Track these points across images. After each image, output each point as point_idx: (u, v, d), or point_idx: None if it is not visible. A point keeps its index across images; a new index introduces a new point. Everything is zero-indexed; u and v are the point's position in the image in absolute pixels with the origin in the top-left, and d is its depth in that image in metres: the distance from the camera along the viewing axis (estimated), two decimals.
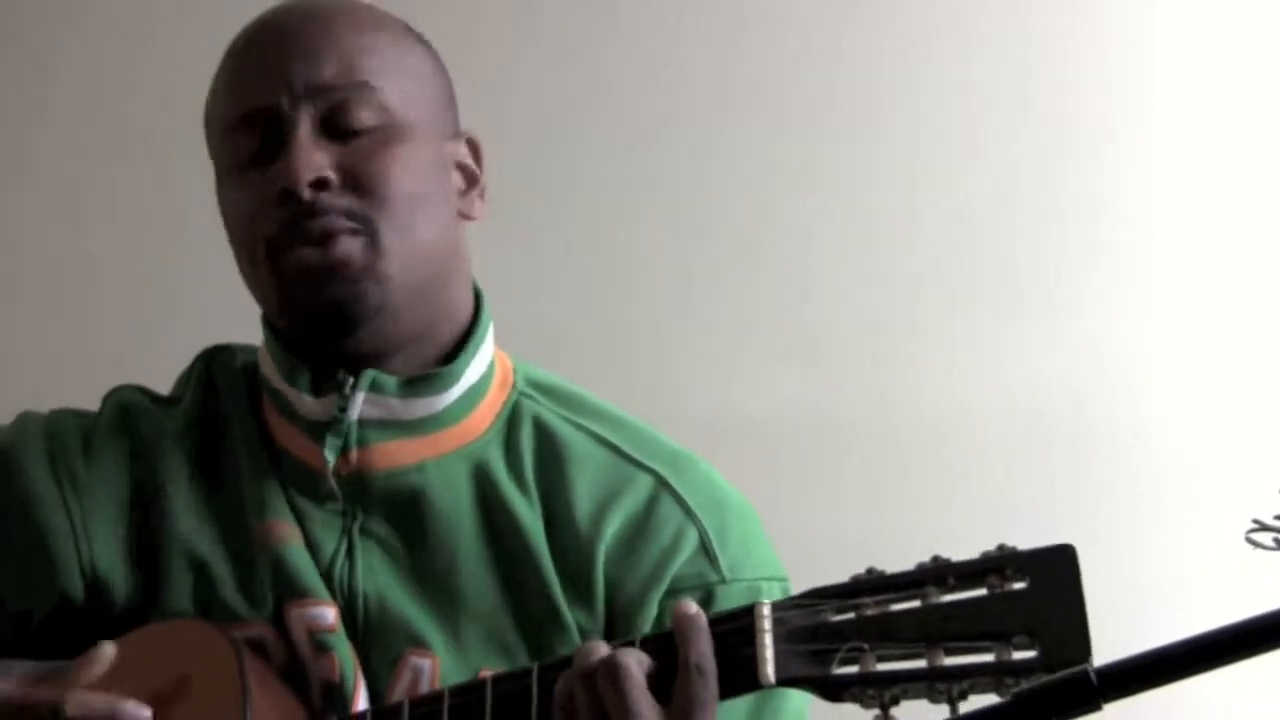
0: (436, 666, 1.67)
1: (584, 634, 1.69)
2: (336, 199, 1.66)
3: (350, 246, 1.65)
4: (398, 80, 1.70)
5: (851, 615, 1.47)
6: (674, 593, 1.70)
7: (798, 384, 2.30)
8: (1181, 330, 2.29)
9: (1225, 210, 2.30)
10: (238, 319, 1.83)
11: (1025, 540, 1.98)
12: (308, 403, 1.71)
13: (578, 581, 1.70)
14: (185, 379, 1.82)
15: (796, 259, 2.34)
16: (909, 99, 2.35)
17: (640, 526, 1.71)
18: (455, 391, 1.72)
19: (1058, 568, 1.44)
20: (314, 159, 1.65)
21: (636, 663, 1.49)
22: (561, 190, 1.76)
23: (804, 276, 2.34)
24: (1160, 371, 2.28)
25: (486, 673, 1.65)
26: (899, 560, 1.38)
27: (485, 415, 1.75)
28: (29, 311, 2.47)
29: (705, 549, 1.71)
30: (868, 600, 1.47)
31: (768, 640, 1.47)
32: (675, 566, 1.70)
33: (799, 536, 1.82)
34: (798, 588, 1.73)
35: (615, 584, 1.70)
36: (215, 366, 1.81)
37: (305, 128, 1.66)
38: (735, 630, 1.48)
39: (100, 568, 1.71)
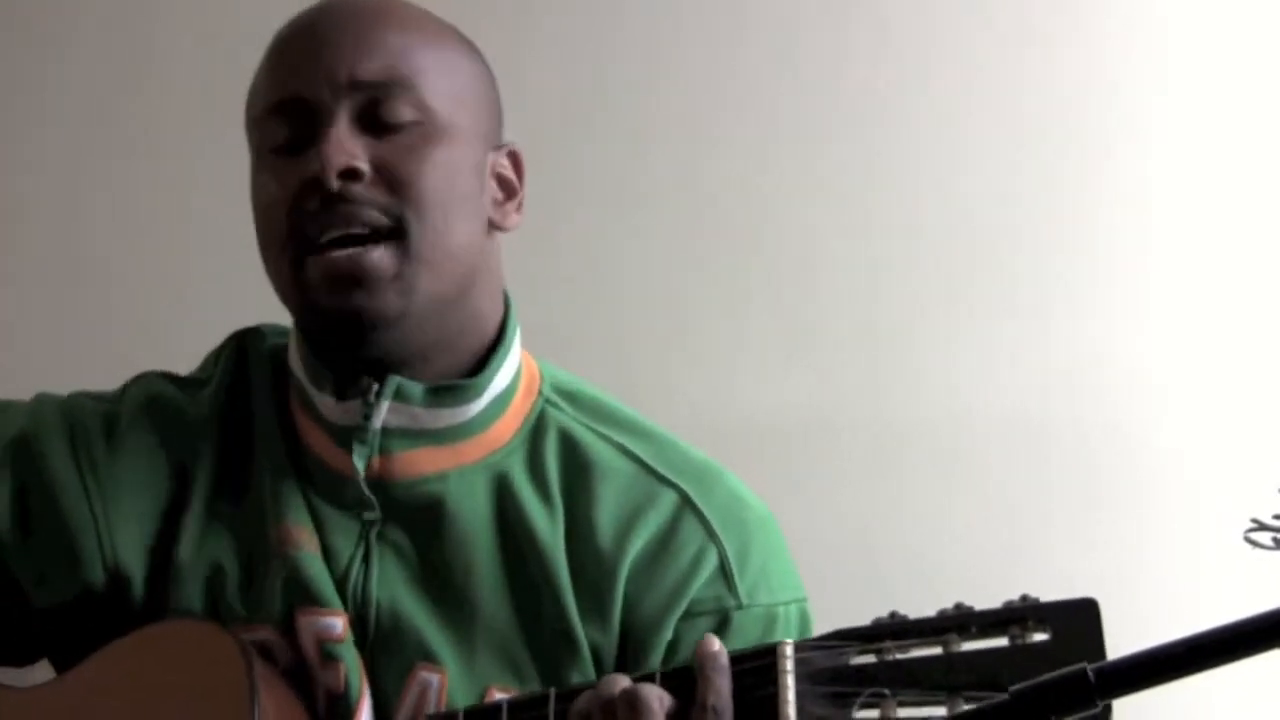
0: (445, 681, 1.67)
1: (597, 652, 1.69)
2: (368, 192, 1.65)
3: (380, 254, 1.64)
4: (441, 81, 1.70)
5: (873, 658, 1.47)
6: (691, 615, 1.70)
7: (797, 384, 2.28)
8: (1180, 330, 2.27)
9: (1224, 212, 2.28)
10: (239, 316, 1.85)
11: (1025, 540, 1.95)
12: (331, 406, 1.71)
13: (597, 598, 1.69)
14: (215, 358, 1.82)
15: (796, 259, 2.33)
16: (908, 100, 2.35)
17: (662, 546, 1.71)
18: (481, 402, 1.72)
19: (1080, 621, 1.44)
20: (347, 148, 1.64)
21: (658, 699, 1.49)
22: (560, 190, 1.76)
23: (803, 277, 2.33)
24: (1158, 371, 2.25)
25: (494, 690, 1.67)
26: (898, 561, 1.37)
27: (510, 424, 1.75)
28: (32, 308, 2.48)
29: (724, 572, 1.71)
30: (890, 644, 1.47)
31: (789, 681, 1.48)
32: (693, 590, 1.70)
33: (797, 537, 1.80)
34: None
35: (633, 603, 1.70)
36: (247, 351, 1.81)
37: (343, 120, 1.66)
38: (757, 669, 1.49)
39: (121, 559, 1.72)
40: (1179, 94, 2.32)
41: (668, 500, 1.73)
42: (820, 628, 1.51)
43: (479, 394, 1.72)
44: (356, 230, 1.65)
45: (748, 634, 1.69)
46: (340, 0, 1.74)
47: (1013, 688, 1.21)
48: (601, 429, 1.77)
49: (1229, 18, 2.32)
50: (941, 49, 2.36)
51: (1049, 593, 1.44)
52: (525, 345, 1.80)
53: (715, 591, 1.70)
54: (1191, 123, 2.31)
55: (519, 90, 1.85)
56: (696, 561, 1.71)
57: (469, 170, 1.71)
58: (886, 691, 1.46)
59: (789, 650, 1.48)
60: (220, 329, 1.86)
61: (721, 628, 1.69)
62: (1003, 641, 1.45)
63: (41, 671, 1.77)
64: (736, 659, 1.50)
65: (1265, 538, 1.19)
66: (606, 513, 1.71)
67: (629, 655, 1.69)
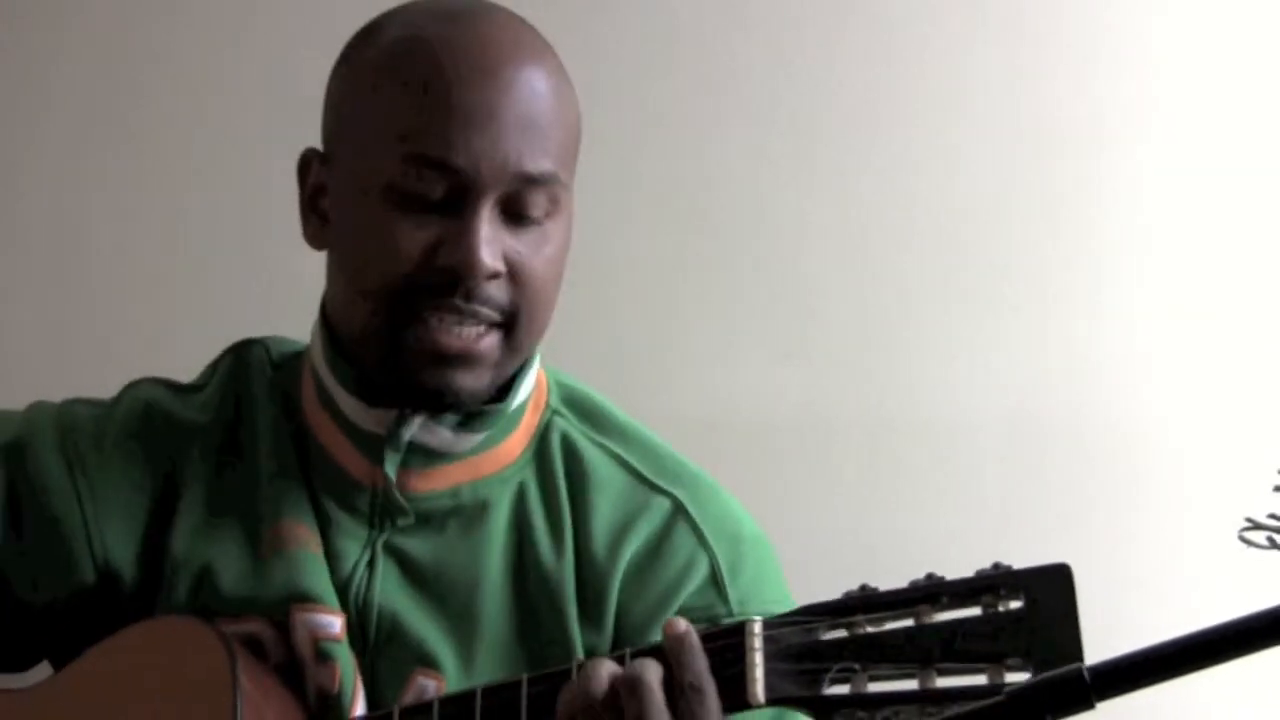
0: (442, 687, 1.66)
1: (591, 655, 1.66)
2: (497, 292, 1.63)
3: (491, 342, 1.64)
4: (570, 165, 1.69)
5: (844, 634, 1.45)
6: None
7: (792, 383, 2.28)
8: (1175, 328, 2.28)
9: (1218, 210, 2.30)
10: (240, 326, 1.84)
11: (1020, 539, 1.95)
12: (361, 411, 1.70)
13: (595, 606, 1.69)
14: (212, 369, 1.81)
15: (791, 258, 2.33)
16: (903, 98, 2.34)
17: (653, 552, 1.71)
18: (500, 420, 1.72)
19: (1054, 587, 1.41)
20: (495, 250, 1.62)
21: (654, 674, 1.47)
22: None
23: (799, 276, 2.33)
24: (1154, 370, 2.27)
25: None
26: (893, 560, 1.36)
27: (521, 440, 1.75)
28: (29, 310, 2.47)
29: (715, 580, 1.70)
30: (861, 619, 1.45)
31: (758, 659, 1.46)
32: (683, 596, 1.70)
33: (793, 537, 1.82)
34: (791, 587, 1.73)
35: (624, 609, 1.70)
36: (248, 359, 1.80)
37: (491, 204, 1.62)
38: (726, 648, 1.47)
39: (113, 561, 1.71)
40: (1172, 92, 2.31)
41: (660, 508, 1.73)
42: None
43: (502, 418, 1.72)
44: (470, 324, 1.64)
45: None
46: (492, 39, 1.65)
47: (1008, 688, 1.19)
48: (599, 438, 1.76)
49: (1220, 16, 2.31)
50: (934, 48, 2.34)
51: None
52: None
53: (706, 600, 1.70)
54: (1186, 121, 2.30)
55: None
56: (687, 568, 1.71)
57: (566, 254, 1.70)
58: (857, 665, 1.44)
59: (757, 628, 1.46)
60: (221, 337, 1.84)
61: None
62: (976, 611, 1.43)
63: (40, 675, 1.76)
64: (705, 637, 1.48)
65: (1260, 537, 1.17)
66: (602, 521, 1.71)
67: None
